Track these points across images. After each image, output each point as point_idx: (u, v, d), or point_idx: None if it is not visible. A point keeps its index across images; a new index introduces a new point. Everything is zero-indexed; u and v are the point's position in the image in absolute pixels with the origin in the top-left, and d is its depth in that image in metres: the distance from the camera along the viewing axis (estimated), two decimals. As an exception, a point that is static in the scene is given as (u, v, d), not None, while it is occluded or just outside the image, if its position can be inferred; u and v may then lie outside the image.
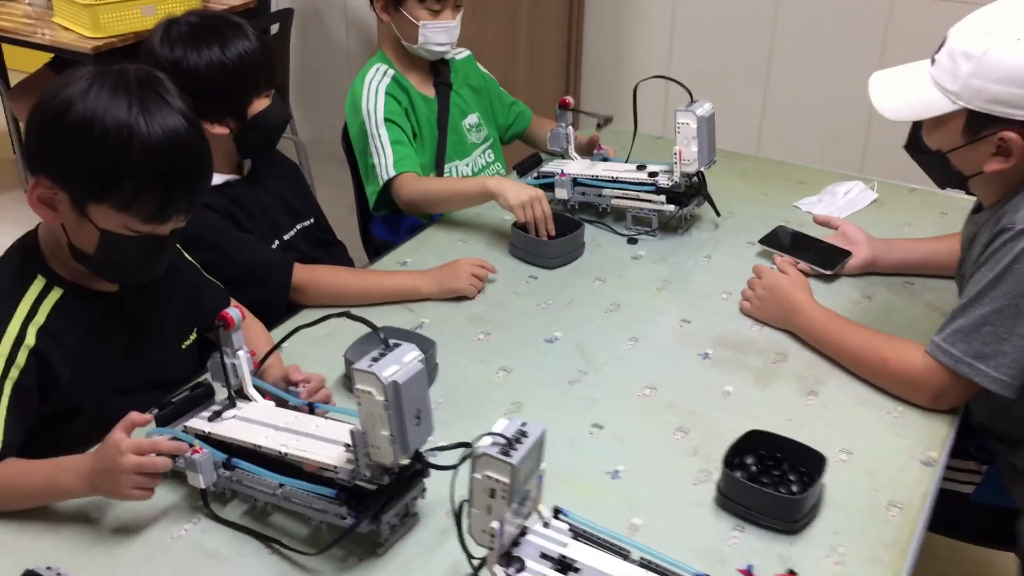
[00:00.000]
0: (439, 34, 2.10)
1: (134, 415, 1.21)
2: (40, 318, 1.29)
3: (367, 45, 4.20)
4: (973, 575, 2.20)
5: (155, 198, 1.23)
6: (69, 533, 1.22)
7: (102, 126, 1.20)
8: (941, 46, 1.41)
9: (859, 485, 1.33)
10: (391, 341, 1.12)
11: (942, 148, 1.44)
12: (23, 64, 3.99)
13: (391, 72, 2.15)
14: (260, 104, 1.71)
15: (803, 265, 1.80)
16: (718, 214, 2.04)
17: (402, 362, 1.10)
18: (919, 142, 1.50)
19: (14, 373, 1.25)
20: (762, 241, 1.91)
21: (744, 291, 1.73)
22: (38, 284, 1.31)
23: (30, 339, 1.27)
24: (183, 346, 1.49)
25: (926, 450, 1.39)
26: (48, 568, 1.14)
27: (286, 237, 1.88)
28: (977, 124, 1.38)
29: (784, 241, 1.90)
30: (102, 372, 1.35)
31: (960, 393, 1.44)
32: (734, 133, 3.33)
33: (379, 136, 2.08)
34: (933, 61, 1.42)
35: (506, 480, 1.00)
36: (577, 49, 3.71)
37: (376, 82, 2.12)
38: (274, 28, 3.46)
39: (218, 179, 1.76)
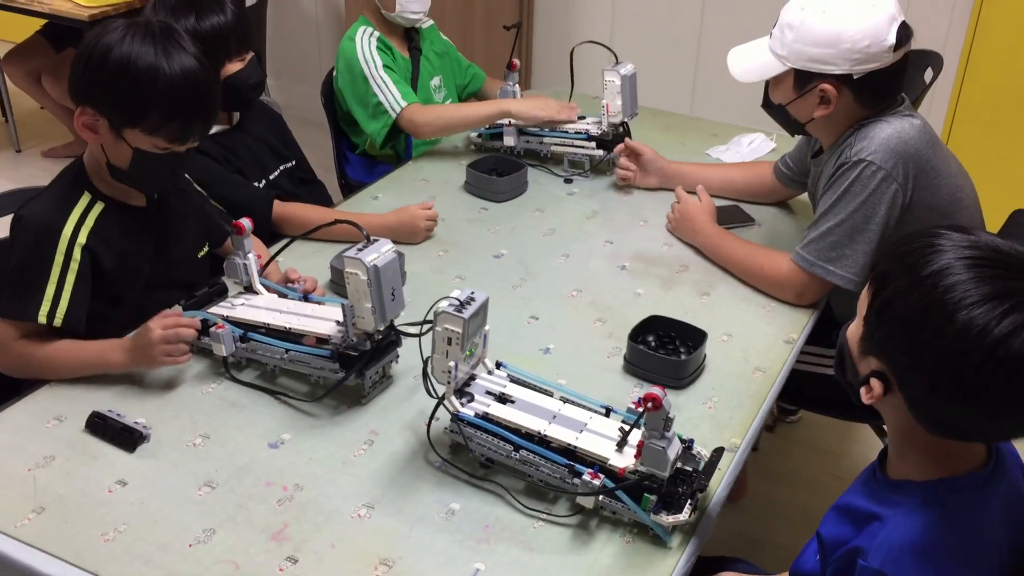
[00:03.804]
0: (413, 3, 2.46)
1: (164, 312, 1.57)
2: (89, 223, 1.62)
3: (335, 18, 4.52)
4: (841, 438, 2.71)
5: (177, 124, 1.57)
6: (123, 388, 1.57)
7: (135, 67, 1.52)
8: (776, 22, 1.80)
9: (734, 358, 1.72)
10: (371, 237, 1.48)
11: (782, 102, 1.85)
12: (11, 34, 4.26)
13: (376, 34, 2.49)
14: (233, 67, 2.02)
15: None
16: (640, 159, 2.41)
17: (380, 252, 1.46)
18: (769, 100, 1.90)
19: (74, 266, 1.59)
20: None
21: (668, 213, 2.11)
22: (85, 198, 1.64)
23: (82, 238, 1.60)
24: (199, 255, 1.84)
25: (788, 333, 1.79)
26: (109, 411, 1.49)
27: (271, 177, 2.21)
28: (802, 80, 1.79)
29: None
30: (137, 268, 1.69)
31: (816, 290, 1.83)
32: (669, 94, 3.71)
33: (383, 79, 2.43)
34: (771, 35, 1.82)
35: (459, 330, 1.36)
36: (528, 17, 4.06)
37: (367, 39, 2.47)
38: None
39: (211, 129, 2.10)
